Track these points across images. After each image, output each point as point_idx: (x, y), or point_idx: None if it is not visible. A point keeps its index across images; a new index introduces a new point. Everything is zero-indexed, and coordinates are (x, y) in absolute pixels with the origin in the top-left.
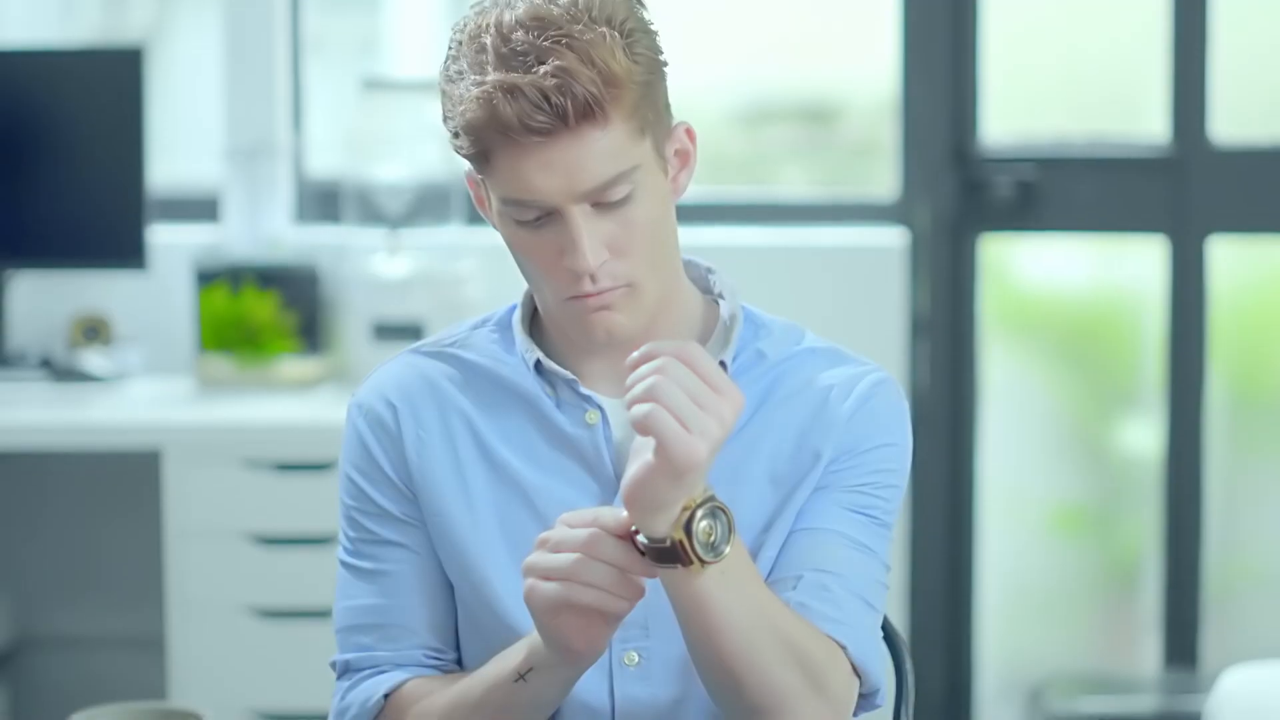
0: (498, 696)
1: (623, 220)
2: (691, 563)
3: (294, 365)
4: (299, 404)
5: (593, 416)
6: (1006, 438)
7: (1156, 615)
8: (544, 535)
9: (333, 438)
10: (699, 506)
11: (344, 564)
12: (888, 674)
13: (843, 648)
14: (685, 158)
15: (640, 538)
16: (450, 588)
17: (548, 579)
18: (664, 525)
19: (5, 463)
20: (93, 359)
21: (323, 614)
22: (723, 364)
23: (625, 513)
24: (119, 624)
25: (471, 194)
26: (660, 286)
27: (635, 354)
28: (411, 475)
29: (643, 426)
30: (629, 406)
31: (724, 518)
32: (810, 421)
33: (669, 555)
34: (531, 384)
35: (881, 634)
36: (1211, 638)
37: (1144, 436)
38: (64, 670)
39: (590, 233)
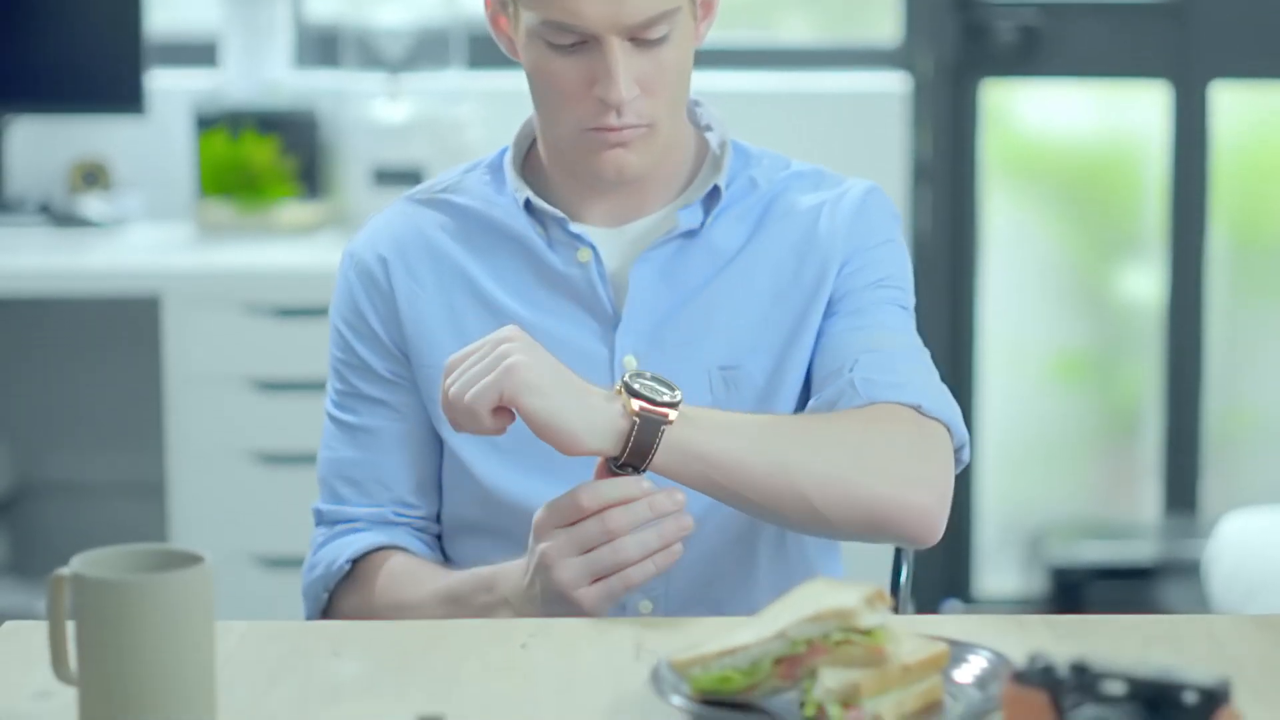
0: (473, 608)
1: (655, 60)
2: (667, 413)
3: (293, 210)
4: (298, 249)
5: (584, 255)
6: (1007, 285)
7: (1156, 462)
8: (544, 551)
9: (332, 283)
10: (623, 386)
11: (329, 414)
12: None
13: (916, 408)
14: (709, 8)
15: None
16: (435, 445)
17: (597, 578)
18: (611, 430)
19: (5, 309)
20: (92, 204)
21: None
22: (716, 189)
23: (588, 483)
24: (119, 470)
25: (488, 17)
26: (674, 130)
27: None
28: (404, 331)
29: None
30: None
31: (645, 375)
32: (807, 240)
33: (648, 430)
34: (523, 225)
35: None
36: (1211, 484)
37: (1145, 283)
38: (64, 516)
39: (626, 66)
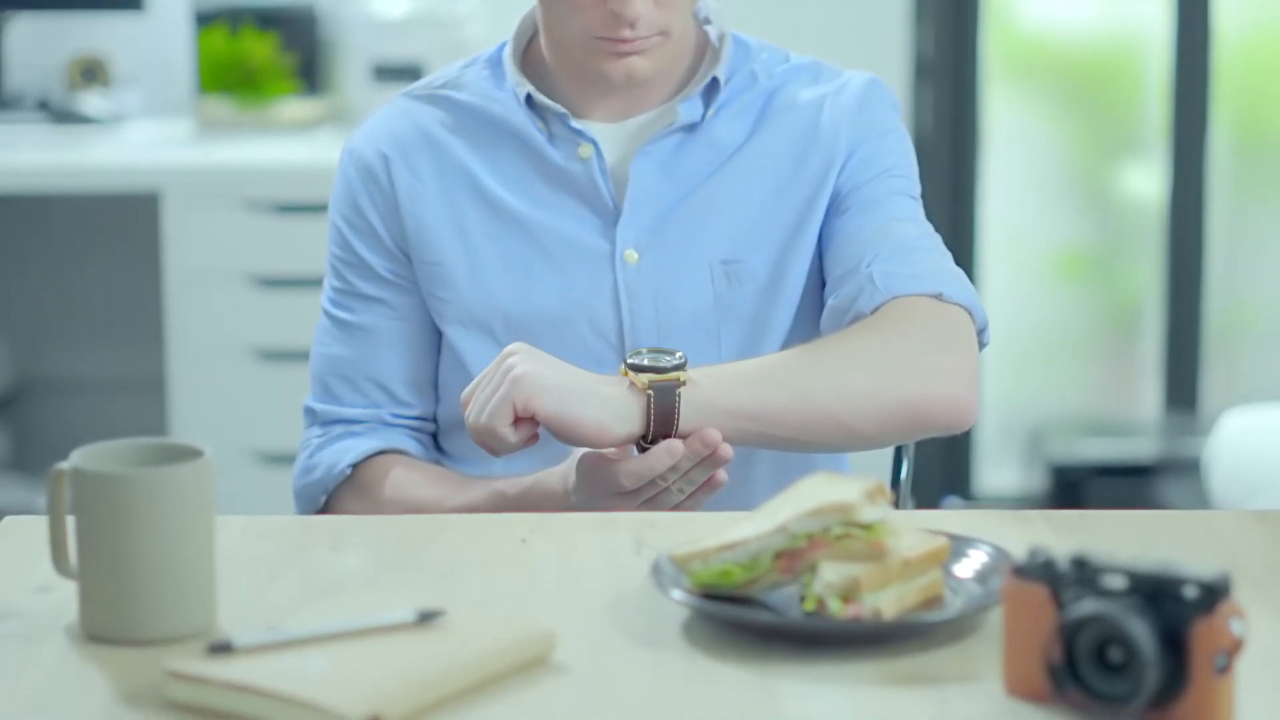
0: (488, 505)
1: None
2: (677, 377)
3: (293, 107)
4: (298, 145)
5: (585, 150)
6: (1009, 182)
7: (1156, 359)
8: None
9: (332, 180)
10: (627, 367)
11: (325, 311)
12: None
13: (936, 296)
14: None
15: (637, 443)
16: (433, 345)
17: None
18: (631, 411)
19: (4, 206)
20: (91, 101)
21: None
22: (715, 81)
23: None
24: (119, 366)
25: None
26: (685, 32)
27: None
28: (405, 229)
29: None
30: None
31: (642, 351)
32: (809, 134)
33: (666, 400)
34: (523, 120)
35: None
36: (1211, 382)
37: (1147, 181)
38: (64, 413)
39: None
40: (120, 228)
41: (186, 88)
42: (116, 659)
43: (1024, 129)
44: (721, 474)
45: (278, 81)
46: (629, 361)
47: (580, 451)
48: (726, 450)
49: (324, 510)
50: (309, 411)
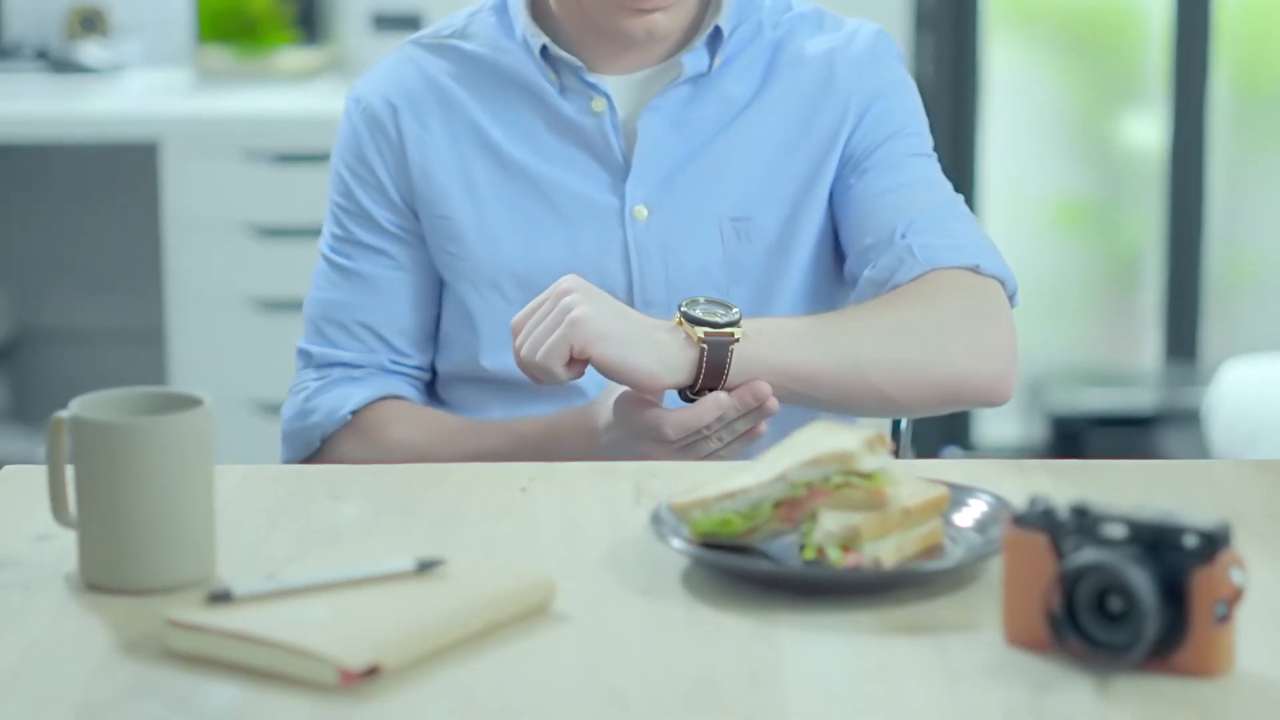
0: (506, 448)
1: None
2: (732, 332)
3: (292, 56)
4: (298, 95)
5: (599, 104)
6: (1009, 132)
7: (1157, 310)
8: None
9: (332, 129)
10: (682, 316)
11: (323, 256)
12: None
13: (974, 269)
14: None
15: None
16: (434, 297)
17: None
18: (683, 361)
19: (3, 155)
20: (90, 50)
21: None
22: (718, 30)
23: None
24: (118, 316)
25: None
26: None
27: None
28: (412, 181)
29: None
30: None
31: (699, 300)
32: (819, 88)
33: (718, 354)
34: (533, 72)
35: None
36: (1211, 332)
37: (1147, 130)
38: (64, 363)
39: None
40: (119, 177)
41: (186, 37)
42: (116, 608)
43: (1024, 78)
44: (763, 425)
45: (277, 31)
46: (684, 311)
47: (614, 390)
48: (773, 404)
49: (318, 455)
50: (303, 354)
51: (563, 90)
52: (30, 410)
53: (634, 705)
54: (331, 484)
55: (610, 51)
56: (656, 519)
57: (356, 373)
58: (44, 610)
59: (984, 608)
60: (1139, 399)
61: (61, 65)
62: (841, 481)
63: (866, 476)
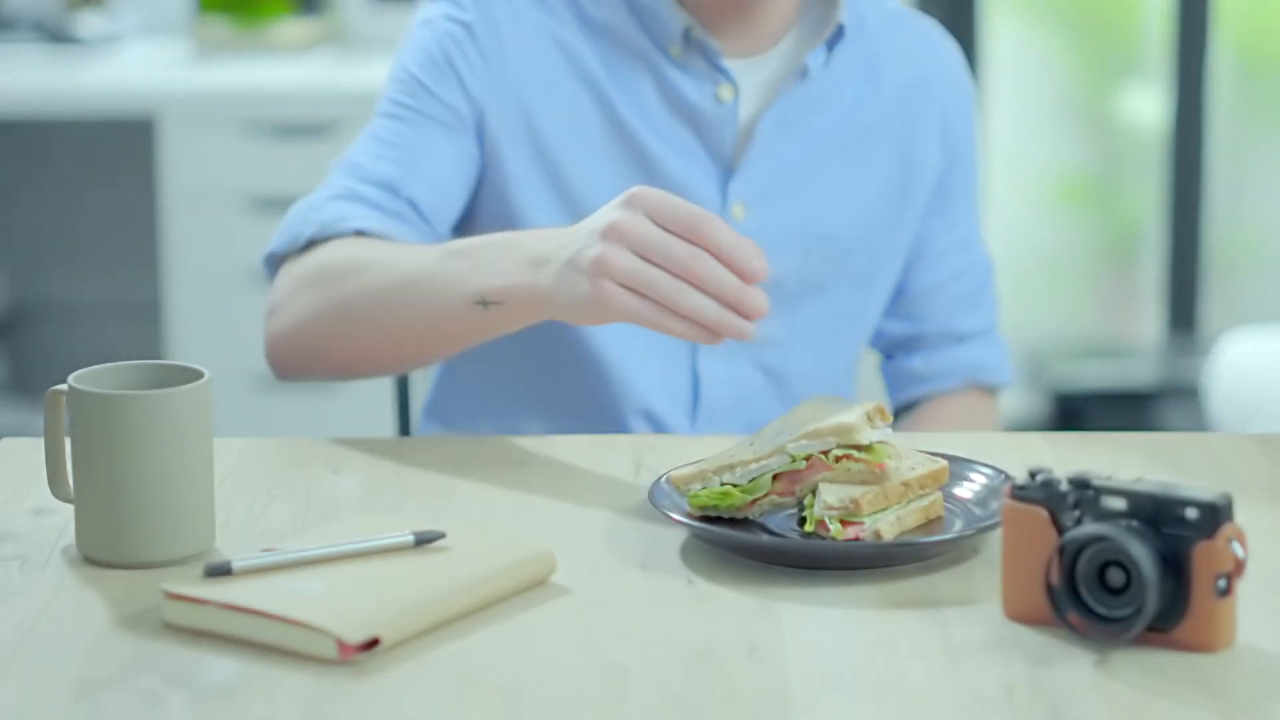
0: (429, 295)
1: None
2: None
3: (290, 28)
4: (296, 67)
5: (727, 92)
6: (1011, 107)
7: (1157, 284)
8: (616, 221)
9: (330, 102)
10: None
11: (365, 137)
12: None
13: (997, 388)
14: None
15: None
16: (469, 188)
17: (633, 291)
18: None
19: (2, 130)
20: (88, 21)
21: None
22: (841, 29)
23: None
24: (117, 290)
25: None
26: None
27: None
28: (503, 90)
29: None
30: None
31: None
32: (918, 108)
33: None
34: (647, 41)
35: None
36: (1211, 307)
37: (1148, 104)
38: (62, 337)
39: None
40: (118, 151)
41: (184, 8)
42: (114, 582)
43: (1026, 53)
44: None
45: (275, 2)
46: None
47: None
48: (752, 302)
49: (290, 258)
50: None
51: (684, 67)
52: (29, 383)
53: (633, 678)
54: (330, 458)
55: (725, 27)
56: (655, 492)
57: (379, 212)
58: (42, 585)
59: (984, 581)
60: (1139, 373)
61: (59, 36)
62: (842, 454)
63: (866, 449)
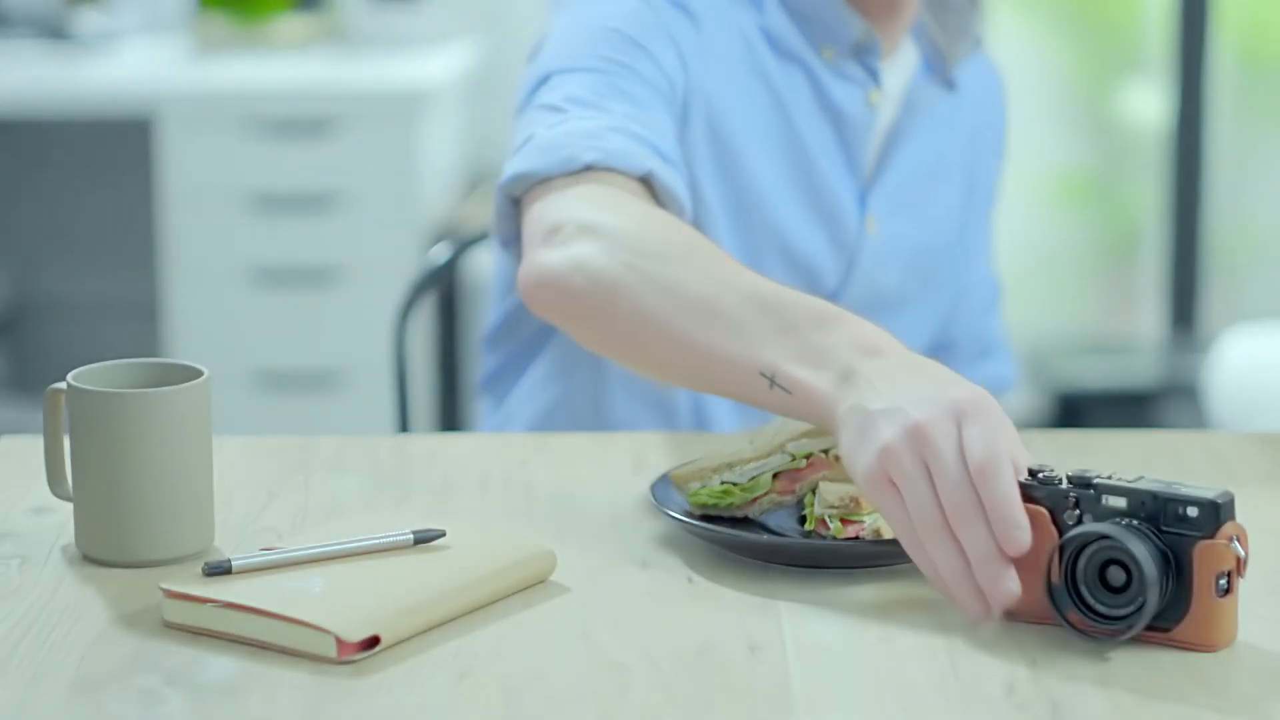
0: (717, 333)
1: None
2: None
3: (290, 25)
4: (295, 64)
5: (877, 96)
6: (1011, 103)
7: (1158, 281)
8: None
9: (330, 100)
10: None
11: (568, 97)
12: None
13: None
14: None
15: None
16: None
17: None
18: None
19: (2, 129)
20: (88, 18)
21: (316, 274)
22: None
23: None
24: (117, 288)
25: None
26: None
27: None
28: (702, 80)
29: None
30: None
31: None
32: (988, 114)
33: None
34: (800, 40)
35: None
36: (1212, 304)
37: (1148, 101)
38: (62, 335)
39: None
40: (116, 148)
41: (183, 5)
42: (113, 580)
43: (1026, 50)
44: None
45: None
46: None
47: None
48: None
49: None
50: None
51: (838, 71)
52: (29, 382)
53: (633, 676)
54: (330, 457)
55: (879, 26)
56: (655, 490)
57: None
58: (41, 583)
59: None
60: (1139, 371)
61: (58, 34)
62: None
63: None
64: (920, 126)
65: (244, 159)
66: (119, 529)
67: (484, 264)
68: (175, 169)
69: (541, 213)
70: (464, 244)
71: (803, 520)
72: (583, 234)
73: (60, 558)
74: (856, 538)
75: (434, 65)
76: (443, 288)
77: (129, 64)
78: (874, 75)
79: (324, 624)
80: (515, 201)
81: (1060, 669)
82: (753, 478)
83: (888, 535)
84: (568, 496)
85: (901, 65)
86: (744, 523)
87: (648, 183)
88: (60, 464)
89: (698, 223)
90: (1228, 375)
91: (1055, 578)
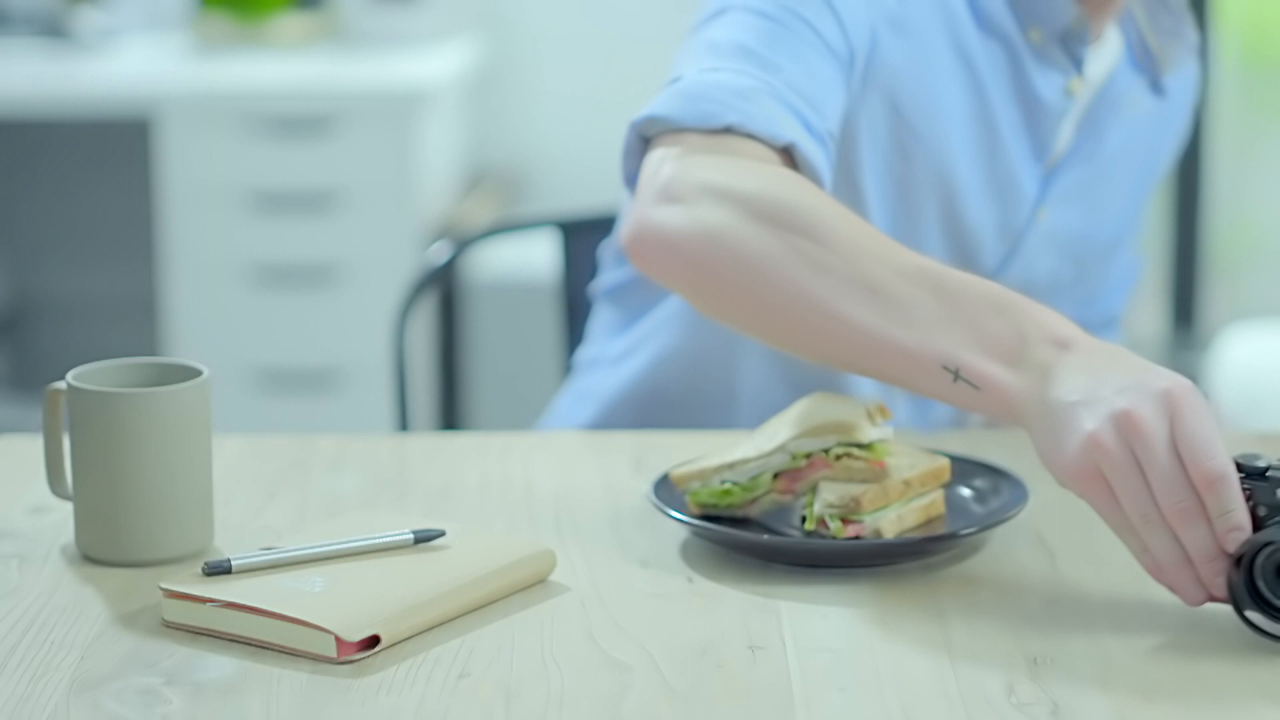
0: (885, 323)
1: None
2: None
3: (290, 23)
4: (295, 63)
5: (1077, 85)
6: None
7: (1159, 278)
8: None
9: (329, 98)
10: None
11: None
12: None
13: None
14: None
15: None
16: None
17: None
18: None
19: (1, 128)
20: (88, 16)
21: (315, 273)
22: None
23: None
24: (117, 287)
25: None
26: None
27: None
28: (892, 32)
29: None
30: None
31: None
32: (1179, 116)
33: None
34: (1009, 19)
35: None
36: (1212, 301)
37: None
38: (62, 334)
39: None
40: (116, 146)
41: (183, 3)
42: (112, 579)
43: None
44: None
45: None
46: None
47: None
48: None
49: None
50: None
51: (1039, 55)
52: (27, 382)
53: (634, 676)
54: (330, 456)
55: (1091, 12)
56: (655, 490)
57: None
58: (40, 582)
59: (985, 579)
60: None
61: (58, 32)
62: (842, 452)
63: (867, 447)
64: (1114, 120)
65: (243, 158)
66: (118, 528)
67: (484, 263)
68: (175, 168)
69: (663, 165)
70: (463, 243)
71: (803, 520)
72: (712, 198)
73: (60, 557)
74: (857, 538)
75: (433, 64)
76: (442, 287)
77: (129, 63)
78: (1078, 64)
79: (324, 623)
80: (646, 141)
81: (1060, 669)
82: (753, 477)
83: (889, 535)
84: (568, 496)
85: (1103, 53)
86: (744, 523)
87: (789, 154)
88: (60, 463)
89: (844, 189)
90: (1229, 372)
91: (1234, 576)
